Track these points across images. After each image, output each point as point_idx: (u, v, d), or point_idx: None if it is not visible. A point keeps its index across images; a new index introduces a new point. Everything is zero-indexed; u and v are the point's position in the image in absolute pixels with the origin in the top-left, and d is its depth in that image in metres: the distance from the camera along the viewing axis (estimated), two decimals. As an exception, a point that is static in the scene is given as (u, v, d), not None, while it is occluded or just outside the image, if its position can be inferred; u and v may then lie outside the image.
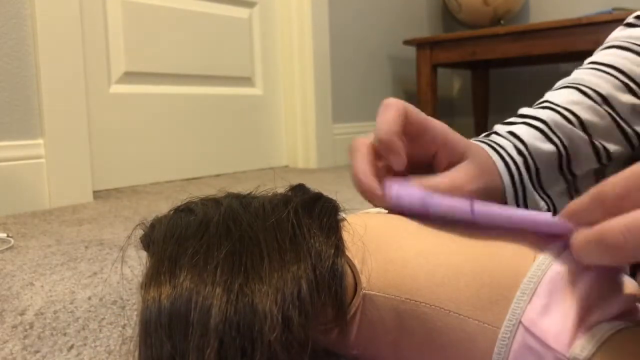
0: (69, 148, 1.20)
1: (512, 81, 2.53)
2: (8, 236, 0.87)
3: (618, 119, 0.49)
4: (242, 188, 0.41)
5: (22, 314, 0.54)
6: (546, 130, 0.47)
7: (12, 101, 1.13)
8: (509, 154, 0.45)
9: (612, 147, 0.49)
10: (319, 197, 0.39)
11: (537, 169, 0.46)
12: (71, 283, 0.63)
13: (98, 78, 1.37)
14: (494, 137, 0.47)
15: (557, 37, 1.83)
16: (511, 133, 0.47)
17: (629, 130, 0.49)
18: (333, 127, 1.95)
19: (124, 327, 0.51)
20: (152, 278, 0.32)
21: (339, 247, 0.35)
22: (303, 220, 0.35)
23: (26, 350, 0.46)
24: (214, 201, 0.38)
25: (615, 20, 1.74)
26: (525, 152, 0.46)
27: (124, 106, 1.43)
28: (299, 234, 0.34)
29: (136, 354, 0.31)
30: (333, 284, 0.33)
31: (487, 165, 0.43)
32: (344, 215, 0.39)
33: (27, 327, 0.51)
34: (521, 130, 0.47)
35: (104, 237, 0.87)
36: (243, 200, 0.38)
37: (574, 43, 1.81)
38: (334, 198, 0.40)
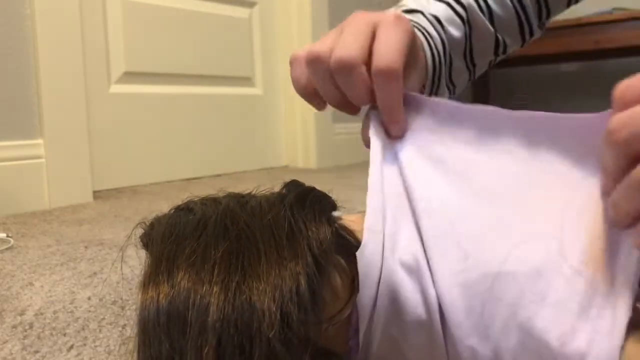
0: (68, 148, 1.20)
1: (512, 81, 2.53)
2: (8, 236, 0.87)
3: (521, 12, 0.51)
4: (242, 188, 0.41)
5: (21, 314, 0.54)
6: (463, 15, 0.48)
7: (12, 101, 1.13)
8: (434, 43, 0.45)
9: (508, 41, 0.52)
10: (311, 189, 0.39)
11: (451, 58, 0.47)
12: (71, 283, 0.63)
13: (98, 78, 1.37)
14: (419, 18, 0.46)
15: (557, 37, 1.83)
16: (435, 17, 0.47)
17: (526, 25, 0.52)
18: (333, 127, 1.95)
19: (123, 327, 0.51)
20: (150, 278, 0.32)
21: (330, 222, 0.35)
22: (297, 213, 0.35)
23: (26, 351, 0.46)
24: (213, 200, 0.38)
25: (615, 20, 1.74)
26: (444, 37, 0.46)
27: (124, 106, 1.43)
28: (295, 230, 0.34)
29: (135, 353, 0.31)
30: (326, 273, 0.33)
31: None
32: (340, 214, 0.39)
33: (27, 327, 0.51)
34: (440, 10, 0.47)
35: (104, 237, 0.87)
36: (241, 200, 0.38)
37: (574, 43, 1.81)
38: (334, 199, 0.40)
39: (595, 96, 2.36)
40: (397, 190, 0.36)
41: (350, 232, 0.36)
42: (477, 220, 0.33)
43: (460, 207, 0.34)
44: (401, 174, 0.36)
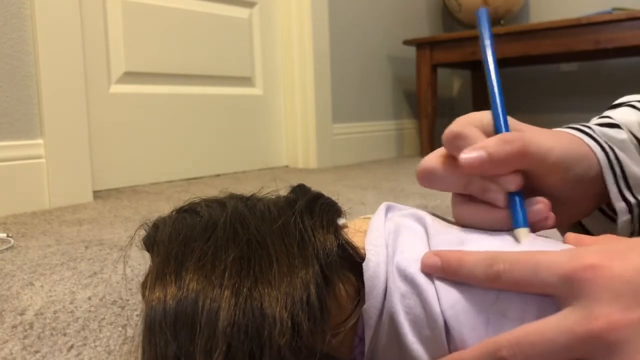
0: (69, 148, 1.20)
1: (512, 81, 2.53)
2: (8, 236, 0.87)
3: None
4: (243, 188, 0.41)
5: (22, 314, 0.54)
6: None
7: (12, 101, 1.13)
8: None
9: None
10: (319, 196, 0.39)
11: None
12: (71, 283, 0.63)
13: (98, 78, 1.37)
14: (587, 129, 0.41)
15: (557, 37, 1.83)
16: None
17: None
18: (333, 127, 1.95)
19: (124, 327, 0.51)
20: (157, 278, 0.32)
21: (337, 234, 0.35)
22: (307, 222, 0.35)
23: (26, 350, 0.46)
24: (218, 202, 0.38)
25: (615, 20, 1.74)
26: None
27: (124, 106, 1.43)
28: (305, 238, 0.34)
29: (137, 353, 0.31)
30: (335, 275, 0.33)
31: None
32: (346, 221, 0.38)
33: (27, 327, 0.51)
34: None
35: (104, 237, 0.87)
36: (248, 203, 0.37)
37: (574, 43, 1.81)
38: (335, 199, 0.40)
39: (595, 96, 2.36)
40: (403, 212, 0.38)
41: (355, 246, 0.36)
42: (483, 242, 0.34)
43: (467, 232, 0.35)
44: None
